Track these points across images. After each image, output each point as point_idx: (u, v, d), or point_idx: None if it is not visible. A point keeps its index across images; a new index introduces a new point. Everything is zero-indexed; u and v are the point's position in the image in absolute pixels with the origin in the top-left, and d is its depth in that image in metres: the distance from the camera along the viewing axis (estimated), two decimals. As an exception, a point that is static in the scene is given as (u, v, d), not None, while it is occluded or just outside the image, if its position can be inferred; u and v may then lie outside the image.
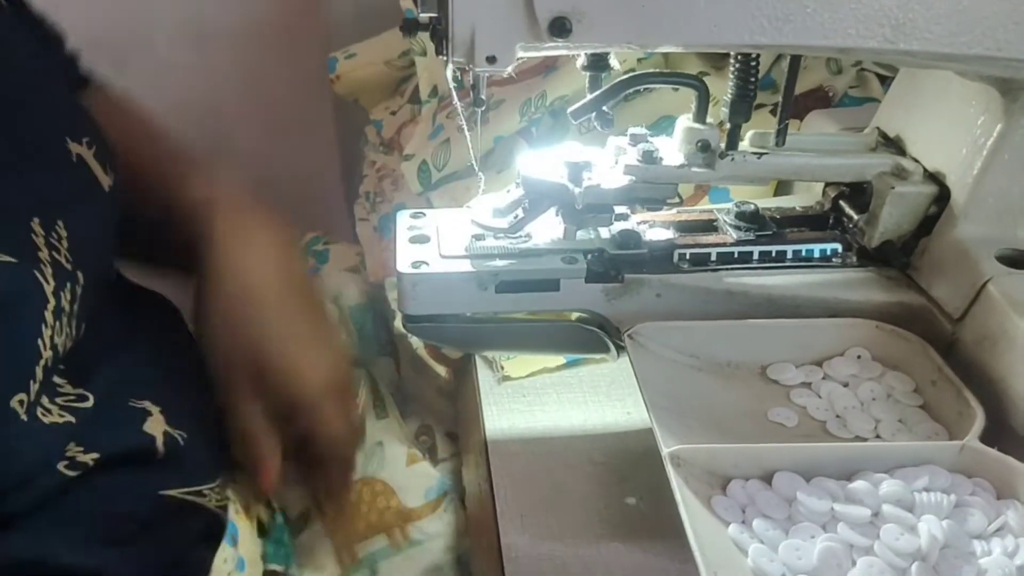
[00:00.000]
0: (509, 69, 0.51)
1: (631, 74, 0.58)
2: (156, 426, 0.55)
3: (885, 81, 0.85)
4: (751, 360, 0.58)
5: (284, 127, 1.30)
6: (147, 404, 0.56)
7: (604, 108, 0.59)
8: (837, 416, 0.54)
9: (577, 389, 0.70)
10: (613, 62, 0.58)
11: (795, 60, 0.57)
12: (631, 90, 0.58)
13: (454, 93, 0.57)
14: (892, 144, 0.64)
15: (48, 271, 0.47)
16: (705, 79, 0.79)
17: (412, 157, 0.81)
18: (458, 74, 0.55)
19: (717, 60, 0.83)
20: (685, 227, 0.63)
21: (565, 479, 0.62)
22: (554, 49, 0.51)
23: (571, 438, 0.66)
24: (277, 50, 1.27)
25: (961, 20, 0.50)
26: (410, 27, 0.52)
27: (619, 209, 0.61)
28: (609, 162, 0.60)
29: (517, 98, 0.78)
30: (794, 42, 0.50)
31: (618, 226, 0.61)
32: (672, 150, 0.60)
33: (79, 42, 0.66)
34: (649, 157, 0.59)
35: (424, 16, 0.51)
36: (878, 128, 0.65)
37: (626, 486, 0.60)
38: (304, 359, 0.58)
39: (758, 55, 0.56)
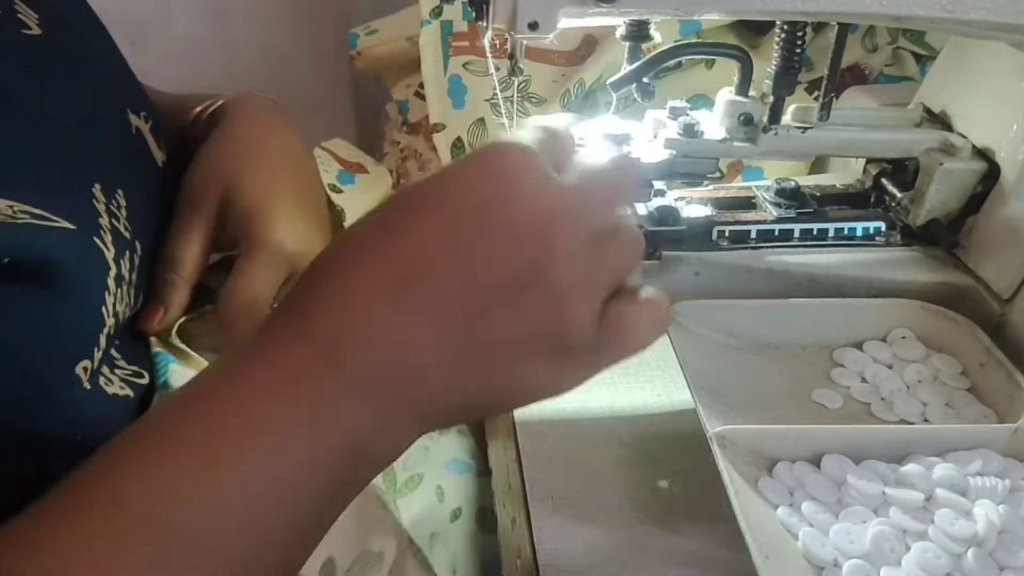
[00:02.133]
0: (550, 36, 0.49)
1: (673, 44, 0.56)
2: None
3: (920, 60, 0.84)
4: (793, 340, 0.56)
5: (302, 103, 1.28)
6: None
7: (645, 80, 0.57)
8: (882, 398, 0.53)
9: (606, 370, 0.69)
10: (654, 33, 0.57)
11: (843, 30, 0.55)
12: (672, 61, 0.57)
13: (489, 59, 0.55)
14: (937, 119, 0.62)
15: (108, 238, 0.46)
16: (742, 56, 0.78)
17: (443, 128, 0.79)
18: (496, 42, 0.53)
19: (753, 38, 0.81)
20: (724, 204, 0.61)
21: (595, 461, 0.60)
22: (597, 16, 0.50)
23: (600, 419, 0.64)
24: (296, 25, 1.25)
25: (1022, -12, 0.48)
26: (448, -8, 0.51)
27: (656, 184, 0.60)
28: (648, 136, 0.59)
29: (557, 92, 0.77)
30: (848, 9, 0.49)
31: (656, 202, 0.59)
32: (713, 124, 0.59)
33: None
34: (690, 131, 0.57)
35: (463, -20, 0.50)
36: (922, 103, 0.63)
37: (657, 468, 0.59)
38: (277, 216, 0.56)
39: (805, 25, 0.54)
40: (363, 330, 0.35)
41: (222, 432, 0.34)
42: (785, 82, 0.56)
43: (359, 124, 1.31)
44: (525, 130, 0.39)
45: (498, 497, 0.65)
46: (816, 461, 0.46)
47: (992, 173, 0.57)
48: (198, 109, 0.65)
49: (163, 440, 0.35)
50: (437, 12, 0.81)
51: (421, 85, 0.94)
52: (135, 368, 0.51)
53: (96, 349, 0.45)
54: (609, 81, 0.57)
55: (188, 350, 0.53)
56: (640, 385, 0.67)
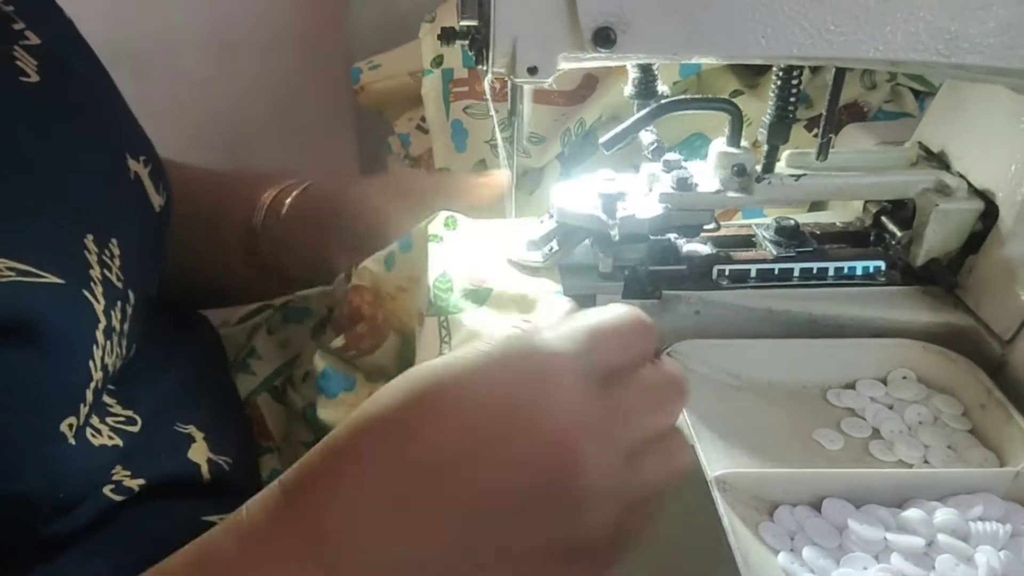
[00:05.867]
0: (550, 80, 0.50)
1: (662, 102, 0.57)
2: (200, 453, 0.54)
3: (919, 96, 0.84)
4: (793, 380, 0.56)
5: (305, 136, 1.29)
6: (192, 429, 0.55)
7: (655, 138, 0.57)
8: (883, 439, 0.53)
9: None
10: (661, 88, 0.57)
11: (840, 72, 0.55)
12: (662, 117, 0.57)
13: (489, 102, 0.56)
14: (935, 159, 0.62)
15: (99, 290, 0.46)
16: (739, 98, 0.79)
17: (447, 172, 0.80)
18: (496, 85, 0.54)
19: (752, 78, 0.82)
20: (723, 242, 0.62)
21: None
22: (596, 60, 0.50)
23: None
24: (301, 60, 1.26)
25: (1017, 34, 0.48)
26: (448, 36, 0.51)
27: (653, 238, 0.60)
28: (643, 190, 0.59)
29: (557, 131, 0.78)
30: (844, 54, 0.49)
31: (656, 240, 0.59)
32: (707, 175, 0.59)
33: (100, 50, 0.65)
34: (684, 184, 0.57)
35: (463, 25, 0.50)
36: (920, 142, 0.64)
37: (658, 507, 0.59)
38: None
39: (800, 71, 0.55)
40: (362, 536, 0.34)
41: None
42: (779, 131, 0.56)
43: (362, 156, 1.31)
44: (575, 324, 0.37)
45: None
46: (817, 505, 0.46)
47: (991, 212, 0.57)
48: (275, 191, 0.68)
49: None
50: (438, 61, 0.83)
51: (423, 119, 0.95)
52: (129, 414, 0.51)
53: (82, 404, 0.44)
54: (601, 140, 0.57)
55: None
56: (641, 421, 0.67)
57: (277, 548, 0.35)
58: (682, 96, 0.59)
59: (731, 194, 0.58)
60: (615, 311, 0.39)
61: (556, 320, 0.39)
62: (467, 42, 0.51)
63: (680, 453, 0.39)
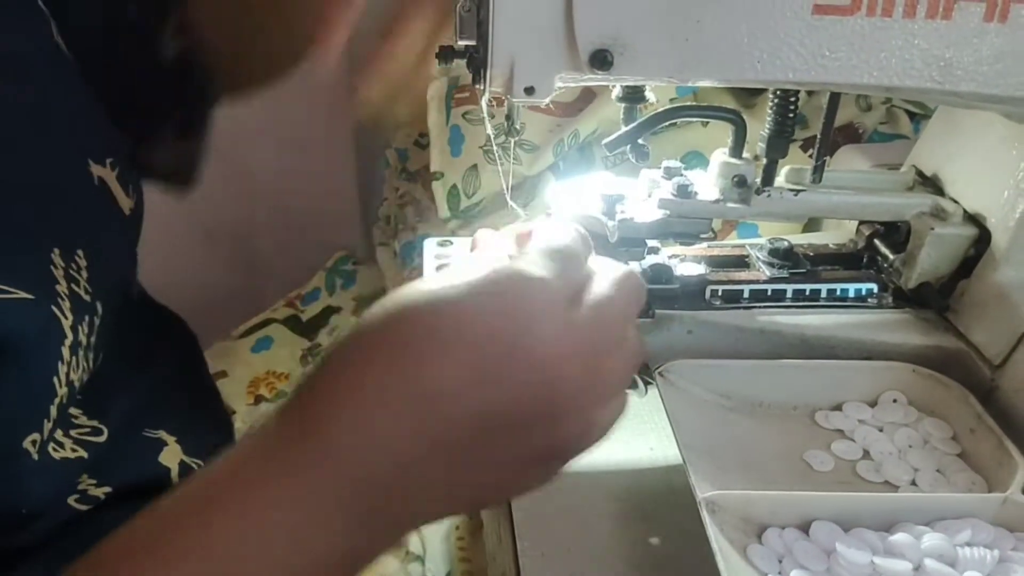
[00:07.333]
0: (547, 100, 0.50)
1: (669, 106, 0.57)
2: (172, 457, 0.54)
3: (914, 118, 0.85)
4: (784, 401, 0.56)
5: (301, 146, 1.29)
6: (162, 434, 0.55)
7: (640, 141, 0.58)
8: (872, 462, 0.53)
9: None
10: (649, 94, 0.58)
11: (834, 96, 0.56)
12: (667, 123, 0.57)
13: (484, 107, 0.56)
14: (929, 183, 0.62)
15: (66, 305, 0.44)
16: (737, 117, 0.79)
17: (441, 177, 0.80)
18: (493, 102, 0.54)
19: (749, 98, 0.82)
20: (717, 262, 0.62)
21: (587, 516, 0.60)
22: (592, 81, 0.50)
23: (593, 473, 0.64)
24: (297, 71, 1.26)
25: (1011, 62, 0.49)
26: (446, 55, 0.52)
27: (649, 242, 0.60)
28: (642, 195, 0.60)
29: (551, 141, 0.78)
30: (839, 80, 0.49)
31: (649, 260, 0.60)
32: (707, 184, 0.59)
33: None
34: (684, 191, 0.58)
35: (461, 44, 0.51)
36: (914, 166, 0.64)
37: (649, 525, 0.59)
38: None
39: (798, 91, 0.55)
40: (372, 456, 0.36)
41: (210, 527, 0.36)
42: (778, 145, 0.57)
43: (359, 170, 1.32)
44: (541, 249, 0.40)
45: (488, 552, 0.65)
46: (806, 527, 0.46)
47: (983, 238, 0.58)
48: None
49: (159, 536, 0.36)
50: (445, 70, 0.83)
51: (420, 134, 0.96)
52: (95, 424, 0.50)
53: (46, 420, 0.44)
54: (604, 141, 0.58)
55: None
56: (635, 439, 0.67)
57: (289, 460, 0.36)
58: (689, 103, 0.60)
59: (730, 204, 0.59)
60: (562, 230, 0.42)
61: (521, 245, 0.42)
62: (465, 61, 0.51)
63: (639, 346, 0.42)
